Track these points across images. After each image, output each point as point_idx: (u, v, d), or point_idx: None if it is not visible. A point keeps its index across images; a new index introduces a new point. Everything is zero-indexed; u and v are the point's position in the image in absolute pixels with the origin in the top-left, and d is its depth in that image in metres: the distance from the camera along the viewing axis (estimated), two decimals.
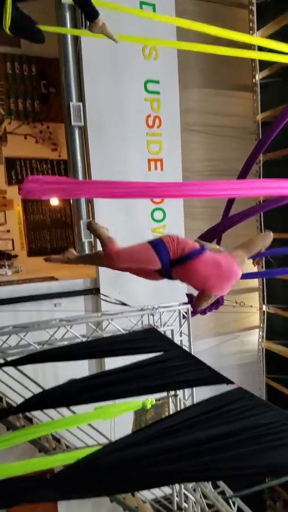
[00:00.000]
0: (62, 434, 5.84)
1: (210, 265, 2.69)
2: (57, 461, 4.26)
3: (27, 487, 1.71)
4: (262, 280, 8.50)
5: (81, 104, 5.97)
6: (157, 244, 2.66)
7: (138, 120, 6.52)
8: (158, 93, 6.55)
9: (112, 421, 5.43)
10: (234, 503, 4.53)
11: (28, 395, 5.30)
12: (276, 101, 7.96)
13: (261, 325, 8.62)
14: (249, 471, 1.81)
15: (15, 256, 8.22)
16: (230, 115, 8.06)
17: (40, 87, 7.57)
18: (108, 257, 2.63)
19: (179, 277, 2.76)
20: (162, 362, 3.22)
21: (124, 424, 6.38)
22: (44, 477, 1.79)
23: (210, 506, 4.94)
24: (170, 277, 2.76)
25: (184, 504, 4.92)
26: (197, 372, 3.05)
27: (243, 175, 5.32)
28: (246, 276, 2.90)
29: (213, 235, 4.94)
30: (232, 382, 2.87)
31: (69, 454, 4.45)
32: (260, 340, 8.67)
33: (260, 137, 8.28)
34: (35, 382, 5.48)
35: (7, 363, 3.24)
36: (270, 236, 2.92)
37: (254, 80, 8.17)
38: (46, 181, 3.46)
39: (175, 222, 6.87)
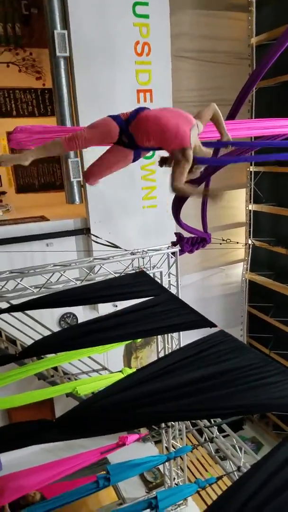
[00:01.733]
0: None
1: (157, 111, 2.96)
2: (57, 391, 4.79)
3: (35, 430, 2.00)
4: (250, 214, 8.68)
5: (66, 32, 5.56)
6: (114, 116, 2.94)
7: (126, 48, 6.15)
8: (147, 16, 6.10)
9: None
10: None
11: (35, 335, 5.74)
12: (273, 23, 7.45)
13: (246, 258, 8.98)
14: (229, 411, 2.11)
15: (4, 192, 8.15)
16: (223, 39, 7.58)
17: (21, 8, 6.90)
18: (68, 141, 2.83)
19: (140, 133, 2.92)
20: (151, 307, 3.46)
21: (116, 350, 6.93)
22: (49, 421, 2.08)
23: (193, 424, 5.62)
24: (134, 143, 2.95)
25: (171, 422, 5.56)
26: (184, 316, 3.30)
27: (236, 107, 5.10)
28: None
29: (202, 177, 4.94)
30: (215, 325, 3.14)
31: (67, 385, 4.95)
32: (244, 272, 9.10)
33: (254, 62, 7.89)
34: (41, 324, 5.87)
35: (5, 310, 3.46)
36: (213, 105, 3.10)
37: None
38: (35, 131, 3.46)
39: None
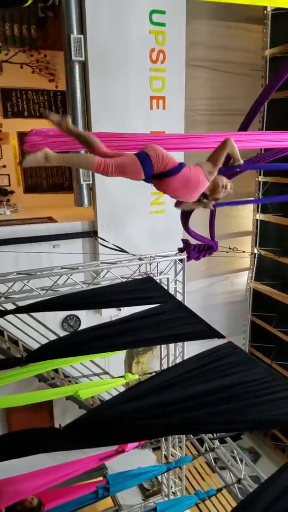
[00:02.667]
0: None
1: (181, 181, 3.02)
2: (58, 393, 4.77)
3: (42, 438, 1.98)
4: (256, 223, 8.68)
5: (82, 36, 5.59)
6: (144, 159, 2.89)
7: (141, 55, 6.17)
8: (163, 25, 6.12)
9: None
10: None
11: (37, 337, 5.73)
12: (287, 36, 7.48)
13: (251, 267, 8.97)
14: (236, 426, 2.08)
15: (12, 192, 8.16)
16: (237, 49, 7.62)
17: (38, 11, 6.96)
18: (99, 167, 2.82)
19: (155, 185, 3.10)
20: (158, 315, 3.43)
21: (118, 354, 6.90)
22: (56, 429, 2.06)
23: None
24: (149, 181, 3.07)
25: None
26: (192, 325, 3.27)
27: (249, 118, 5.11)
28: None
29: None
30: (223, 337, 3.12)
31: (69, 388, 4.93)
32: (248, 281, 9.08)
33: (267, 73, 7.92)
34: (45, 326, 5.86)
35: (12, 311, 3.45)
36: (230, 142, 3.10)
37: (265, 11, 7.60)
38: (49, 135, 3.47)
39: None
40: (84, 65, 5.86)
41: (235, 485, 4.30)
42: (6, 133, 7.95)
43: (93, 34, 5.71)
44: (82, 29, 5.67)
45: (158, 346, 6.69)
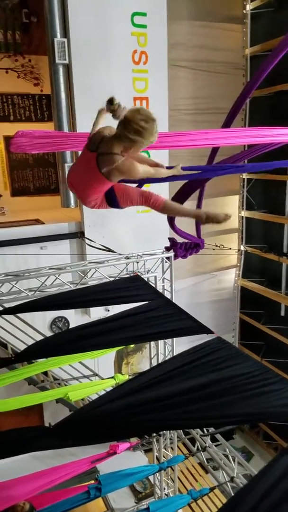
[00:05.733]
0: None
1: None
2: (48, 396, 4.72)
3: (32, 436, 1.96)
4: (242, 221, 8.75)
5: (65, 40, 5.60)
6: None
7: (124, 56, 6.20)
8: (145, 26, 6.16)
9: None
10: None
11: (26, 339, 5.68)
12: (266, 34, 7.60)
13: (238, 264, 9.03)
14: (229, 419, 2.08)
15: None
16: (218, 49, 7.71)
17: (22, 17, 6.96)
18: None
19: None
20: (147, 312, 3.43)
21: (107, 356, 6.87)
22: (47, 427, 2.03)
23: (186, 433, 5.57)
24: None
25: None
26: (180, 322, 3.28)
27: (231, 116, 5.16)
28: None
29: (197, 184, 4.97)
30: (212, 332, 3.13)
31: (59, 390, 4.89)
32: (236, 278, 9.13)
33: (248, 72, 8.02)
34: (33, 328, 5.82)
35: (2, 312, 3.42)
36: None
37: (244, 11, 7.70)
38: (35, 136, 3.46)
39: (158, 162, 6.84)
40: (68, 68, 5.86)
41: (228, 483, 4.30)
42: None
43: (76, 37, 5.72)
44: (65, 33, 5.68)
45: (148, 346, 6.68)
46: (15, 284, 4.16)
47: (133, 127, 2.45)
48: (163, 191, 6.73)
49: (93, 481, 4.47)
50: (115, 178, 2.67)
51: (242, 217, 8.73)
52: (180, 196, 4.61)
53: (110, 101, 2.58)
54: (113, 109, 2.57)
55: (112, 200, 2.90)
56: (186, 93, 7.54)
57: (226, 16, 7.56)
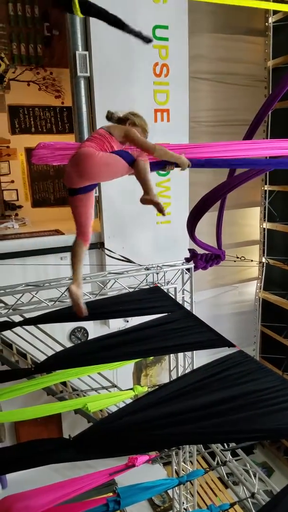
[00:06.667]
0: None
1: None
2: (67, 406, 4.71)
3: (52, 448, 1.95)
4: (264, 233, 8.65)
5: (87, 53, 5.71)
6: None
7: (146, 69, 6.27)
8: (166, 39, 6.23)
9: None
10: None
11: (45, 349, 5.72)
12: None
13: (260, 277, 8.90)
14: (249, 435, 2.04)
15: (20, 206, 8.25)
16: (239, 61, 7.71)
17: (43, 30, 7.16)
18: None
19: None
20: (167, 324, 3.41)
21: (126, 367, 6.84)
22: (66, 439, 2.03)
23: (206, 447, 5.46)
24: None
25: None
26: (201, 334, 3.24)
27: (253, 128, 5.15)
28: None
29: (218, 195, 4.95)
30: (234, 345, 3.08)
31: (77, 400, 4.88)
32: (257, 290, 9.00)
33: (270, 84, 7.99)
34: (52, 338, 5.85)
35: (20, 323, 3.45)
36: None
37: (267, 23, 7.71)
38: (57, 147, 3.51)
39: (180, 176, 6.83)
40: (89, 81, 5.97)
41: (249, 499, 4.18)
42: (14, 149, 8.08)
43: (97, 50, 5.82)
44: (87, 46, 5.79)
45: (167, 358, 6.62)
46: (35, 294, 4.20)
47: (126, 114, 2.96)
48: (182, 201, 6.77)
49: (111, 494, 4.42)
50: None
51: (264, 228, 8.62)
52: (202, 206, 4.61)
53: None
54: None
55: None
56: (207, 105, 7.56)
57: (248, 29, 7.57)
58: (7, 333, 5.83)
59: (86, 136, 6.18)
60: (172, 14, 6.16)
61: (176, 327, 3.33)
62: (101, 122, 6.04)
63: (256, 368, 2.68)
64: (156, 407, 2.25)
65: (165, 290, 4.45)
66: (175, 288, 4.96)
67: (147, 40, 3.15)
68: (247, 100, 7.61)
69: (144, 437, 2.01)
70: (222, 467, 4.89)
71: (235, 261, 6.49)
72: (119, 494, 3.91)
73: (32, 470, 3.73)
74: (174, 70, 6.46)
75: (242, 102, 7.62)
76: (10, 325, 3.76)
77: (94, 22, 5.69)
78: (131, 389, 5.09)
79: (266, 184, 8.34)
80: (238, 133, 5.58)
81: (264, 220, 8.59)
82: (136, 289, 4.62)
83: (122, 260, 5.56)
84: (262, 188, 8.41)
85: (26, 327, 5.12)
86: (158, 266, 4.78)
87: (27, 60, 7.56)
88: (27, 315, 4.27)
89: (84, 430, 2.06)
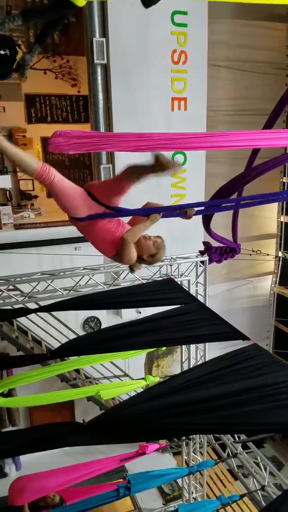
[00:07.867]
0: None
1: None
2: (80, 393, 4.78)
3: (68, 432, 1.98)
4: (281, 226, 8.52)
5: (104, 40, 5.64)
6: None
7: (163, 56, 6.16)
8: (185, 25, 6.11)
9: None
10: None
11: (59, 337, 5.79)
12: None
13: (275, 271, 8.80)
14: (262, 427, 2.02)
15: (36, 196, 8.28)
16: (260, 48, 7.54)
17: None
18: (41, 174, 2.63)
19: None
20: (181, 315, 3.39)
21: (137, 357, 6.88)
22: (81, 424, 2.05)
23: (216, 438, 5.48)
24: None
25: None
26: (215, 327, 3.22)
27: (273, 117, 5.03)
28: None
29: (235, 187, 4.87)
30: (248, 339, 3.05)
31: (91, 388, 4.94)
32: (272, 285, 8.90)
33: None
34: (66, 326, 5.92)
35: (35, 310, 3.49)
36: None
37: None
38: (73, 136, 3.48)
39: (196, 167, 6.75)
40: (106, 68, 5.90)
41: (259, 492, 4.20)
42: (30, 138, 8.08)
43: (115, 37, 5.74)
44: (104, 33, 5.72)
45: (178, 350, 6.63)
46: (50, 282, 4.23)
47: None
48: (198, 193, 6.69)
49: (121, 480, 4.50)
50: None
51: (281, 222, 8.49)
52: (218, 198, 4.54)
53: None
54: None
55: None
56: (226, 94, 7.43)
57: (269, 14, 7.36)
58: (23, 321, 5.91)
59: (102, 124, 6.14)
60: None
61: (190, 318, 3.31)
62: (118, 110, 6.05)
63: (271, 362, 2.65)
64: (168, 396, 2.25)
65: (179, 283, 4.43)
66: (189, 281, 4.94)
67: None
68: (267, 88, 7.44)
69: (158, 424, 2.02)
70: (232, 459, 4.91)
71: (250, 254, 6.42)
72: (130, 480, 3.96)
73: (45, 453, 3.81)
74: (192, 57, 6.34)
75: (261, 90, 7.46)
76: (25, 312, 3.80)
77: (112, 8, 5.62)
78: (143, 378, 5.12)
79: (284, 176, 8.19)
80: (257, 123, 5.44)
81: (282, 213, 8.47)
82: (150, 281, 4.61)
83: None
84: (280, 180, 8.27)
85: (41, 315, 5.19)
86: (172, 258, 4.75)
87: (43, 47, 7.50)
88: (42, 303, 4.31)
89: (98, 415, 2.09)
